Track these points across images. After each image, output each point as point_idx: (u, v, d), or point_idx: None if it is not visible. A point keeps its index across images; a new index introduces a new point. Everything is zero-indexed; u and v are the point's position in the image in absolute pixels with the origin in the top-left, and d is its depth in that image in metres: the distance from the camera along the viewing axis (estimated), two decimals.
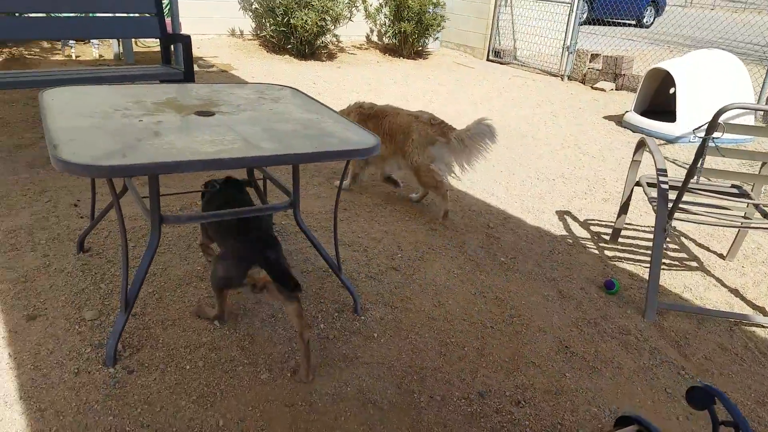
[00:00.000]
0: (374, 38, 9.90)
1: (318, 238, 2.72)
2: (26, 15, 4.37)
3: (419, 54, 9.47)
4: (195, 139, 2.09)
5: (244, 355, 2.27)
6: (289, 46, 8.06)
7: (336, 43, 9.13)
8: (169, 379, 2.10)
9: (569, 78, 8.70)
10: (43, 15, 4.80)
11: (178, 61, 4.82)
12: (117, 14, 4.56)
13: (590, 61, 8.61)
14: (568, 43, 8.60)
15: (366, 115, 3.71)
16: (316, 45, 8.11)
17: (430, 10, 8.77)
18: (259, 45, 8.40)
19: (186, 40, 4.41)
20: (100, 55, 6.99)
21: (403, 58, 9.20)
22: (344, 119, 2.55)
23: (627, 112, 6.39)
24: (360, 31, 9.59)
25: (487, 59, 9.77)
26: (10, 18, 4.16)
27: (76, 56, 6.82)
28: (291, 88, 3.05)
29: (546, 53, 9.25)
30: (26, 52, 6.59)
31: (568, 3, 8.65)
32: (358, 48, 9.39)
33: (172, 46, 4.81)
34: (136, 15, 4.61)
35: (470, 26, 9.83)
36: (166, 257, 2.91)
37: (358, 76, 7.62)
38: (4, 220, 3.12)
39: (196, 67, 6.99)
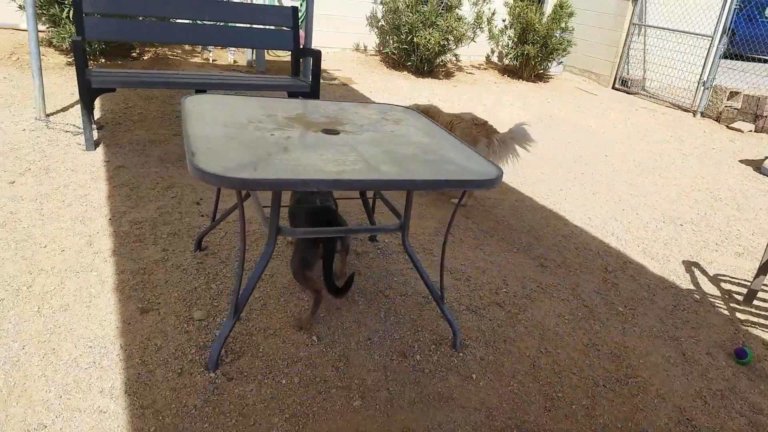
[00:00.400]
0: (494, 59, 9.75)
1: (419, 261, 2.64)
2: (175, 21, 4.68)
3: (540, 77, 9.20)
4: (320, 157, 2.10)
5: (338, 378, 2.24)
6: (409, 63, 8.11)
7: (454, 62, 9.07)
8: (264, 392, 2.10)
9: (702, 115, 8.07)
10: (190, 22, 5.14)
11: (306, 73, 4.97)
12: (255, 25, 4.77)
13: (728, 99, 7.94)
14: (705, 78, 7.99)
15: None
16: (435, 63, 8.10)
17: (557, 35, 8.49)
18: (380, 60, 8.52)
19: (316, 55, 4.53)
20: (234, 61, 7.38)
21: (523, 80, 8.97)
22: (465, 146, 2.47)
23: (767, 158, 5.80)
24: (479, 51, 9.48)
25: (613, 87, 9.30)
26: (163, 23, 4.47)
27: (213, 60, 7.25)
28: (412, 109, 3.02)
29: (677, 86, 8.66)
30: (169, 53, 7.09)
31: (709, 36, 8.04)
32: (476, 68, 9.28)
33: (301, 59, 4.96)
34: (273, 27, 4.79)
35: (597, 53, 9.41)
36: (273, 263, 2.95)
37: (474, 95, 7.51)
38: (132, 210, 3.32)
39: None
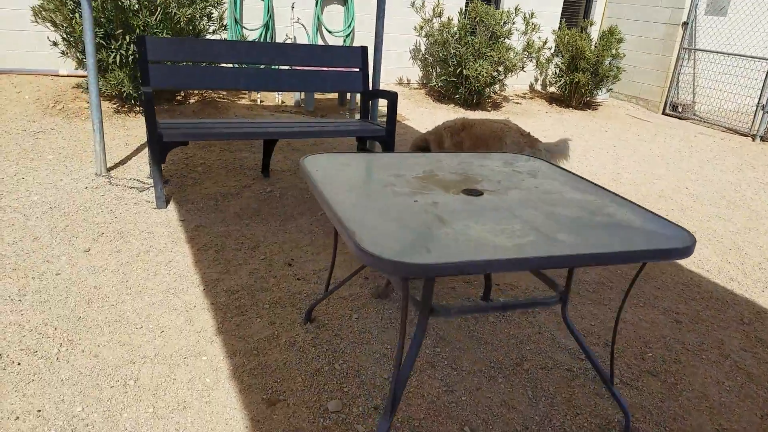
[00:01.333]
0: (537, 87, 9.51)
1: (555, 328, 2.31)
2: (243, 66, 4.47)
3: (588, 105, 8.93)
4: (483, 227, 1.81)
5: None
6: (457, 96, 7.87)
7: (500, 92, 8.84)
8: None
9: (762, 139, 7.72)
10: (262, 66, 4.92)
11: (374, 116, 4.73)
12: (325, 68, 4.54)
13: None
14: (765, 102, 7.67)
15: (458, 127, 3.85)
16: (484, 95, 7.86)
17: (608, 62, 8.24)
18: (425, 94, 8.31)
19: (392, 98, 4.28)
20: (282, 101, 7.19)
21: (572, 108, 8.71)
22: (627, 201, 2.17)
23: None
24: (523, 81, 9.26)
25: (663, 113, 9.00)
26: (231, 70, 4.25)
27: (261, 101, 7.06)
28: (538, 159, 2.73)
29: (730, 110, 8.35)
30: (215, 95, 6.92)
31: (767, 59, 7.75)
32: (521, 97, 9.04)
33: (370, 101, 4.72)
34: (343, 70, 4.57)
35: (646, 78, 9.14)
36: (389, 334, 2.64)
37: (527, 126, 7.23)
38: (224, 277, 3.04)
39: None
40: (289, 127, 4.17)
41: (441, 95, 8.19)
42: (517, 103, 8.69)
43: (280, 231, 3.66)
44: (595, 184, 2.36)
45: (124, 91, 5.69)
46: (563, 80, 8.52)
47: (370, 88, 4.70)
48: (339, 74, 4.56)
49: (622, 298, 2.25)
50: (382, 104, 7.53)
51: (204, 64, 4.60)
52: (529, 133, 4.04)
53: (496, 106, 8.33)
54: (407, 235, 1.71)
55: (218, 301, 2.82)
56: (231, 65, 4.99)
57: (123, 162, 4.62)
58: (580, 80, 8.25)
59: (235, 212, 3.90)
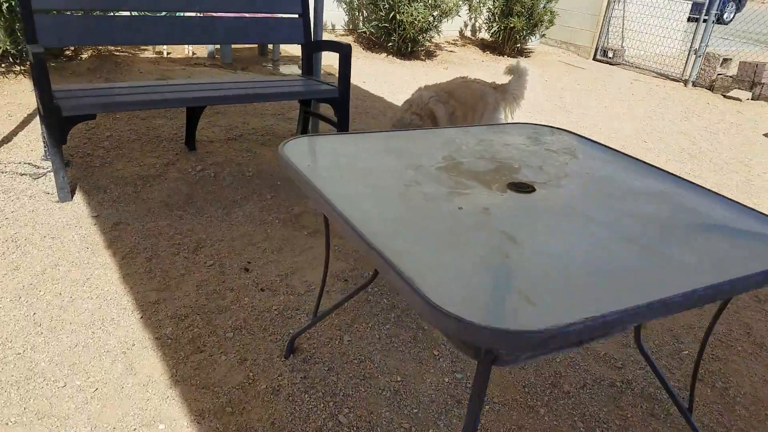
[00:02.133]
0: (467, 33, 9.00)
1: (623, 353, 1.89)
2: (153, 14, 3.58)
3: (521, 52, 8.55)
4: (569, 244, 1.31)
5: None
6: (390, 44, 7.21)
7: (431, 39, 8.24)
8: None
9: (694, 84, 7.71)
10: (165, 14, 4.03)
11: (316, 72, 4.02)
12: (253, 15, 3.74)
13: (720, 66, 7.62)
14: (697, 46, 7.61)
15: (443, 96, 3.38)
16: (419, 42, 7.24)
17: (543, 5, 7.84)
18: (354, 41, 7.55)
19: (346, 51, 3.59)
20: (193, 53, 6.21)
21: (506, 56, 8.29)
22: (698, 187, 1.72)
23: None
24: (452, 27, 8.70)
25: (594, 58, 8.81)
26: (140, 19, 3.36)
27: (168, 54, 6.04)
28: (564, 130, 2.22)
29: (662, 54, 8.29)
30: (113, 49, 5.83)
31: (702, 2, 7.64)
32: (453, 44, 8.51)
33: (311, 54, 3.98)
34: (277, 16, 3.79)
35: (577, 23, 8.87)
36: (394, 359, 2.11)
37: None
38: (164, 296, 2.35)
39: (297, 70, 6.20)
40: (222, 89, 3.40)
41: (372, 43, 7.48)
42: (451, 51, 8.15)
43: (225, 223, 2.97)
44: (642, 161, 1.90)
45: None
46: (497, 26, 8.05)
47: (313, 39, 3.97)
48: (273, 22, 3.78)
49: (710, 322, 1.83)
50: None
51: (98, 13, 3.66)
52: (493, 82, 3.75)
53: (430, 54, 7.75)
54: (478, 270, 1.16)
55: (163, 333, 2.14)
56: (138, 13, 4.05)
57: (6, 140, 3.65)
58: (515, 25, 7.81)
59: (161, 200, 3.13)
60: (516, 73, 3.71)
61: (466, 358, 2.14)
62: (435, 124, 3.17)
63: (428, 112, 3.02)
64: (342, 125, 3.76)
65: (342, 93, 3.63)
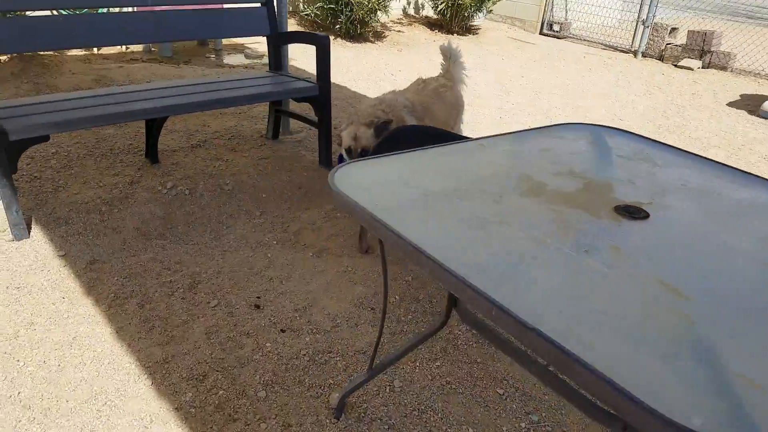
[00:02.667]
0: (410, 11, 8.71)
1: None
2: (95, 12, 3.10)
3: (469, 29, 8.36)
4: (737, 288, 1.09)
5: None
6: (337, 26, 6.83)
7: (378, 19, 7.90)
8: None
9: (644, 55, 7.78)
10: (105, 11, 3.56)
11: (283, 67, 3.64)
12: (208, 6, 3.32)
13: (668, 36, 7.71)
14: (644, 17, 7.66)
15: (423, 107, 2.99)
16: (368, 24, 6.91)
17: None
18: (296, 24, 7.10)
19: (323, 42, 3.24)
20: (127, 47, 5.62)
21: (454, 33, 8.08)
22: None
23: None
24: (398, 5, 8.39)
25: (540, 33, 8.75)
26: (85, 18, 2.89)
27: (98, 49, 5.43)
28: (613, 128, 2.01)
29: (604, 25, 8.32)
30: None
31: None
32: (399, 23, 8.20)
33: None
34: (239, 6, 3.39)
35: None
36: (456, 405, 1.87)
37: (426, 60, 6.50)
38: (171, 351, 2.00)
39: (244, 59, 5.75)
40: (189, 94, 2.99)
41: (317, 26, 7.06)
42: (399, 31, 7.84)
43: (216, 250, 2.61)
44: (723, 164, 1.73)
45: None
46: (443, 3, 7.80)
47: (279, 30, 3.58)
48: (232, 14, 3.37)
49: None
50: (252, 41, 6.28)
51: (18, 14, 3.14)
52: (442, 64, 3.42)
53: (379, 36, 7.42)
54: (675, 352, 0.92)
55: (184, 401, 1.80)
56: (71, 12, 3.52)
57: None
58: (462, 2, 7.59)
59: (135, 228, 2.72)
60: (451, 56, 3.34)
61: (535, 393, 1.92)
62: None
63: (399, 118, 2.72)
64: (324, 126, 3.42)
65: (323, 90, 3.30)
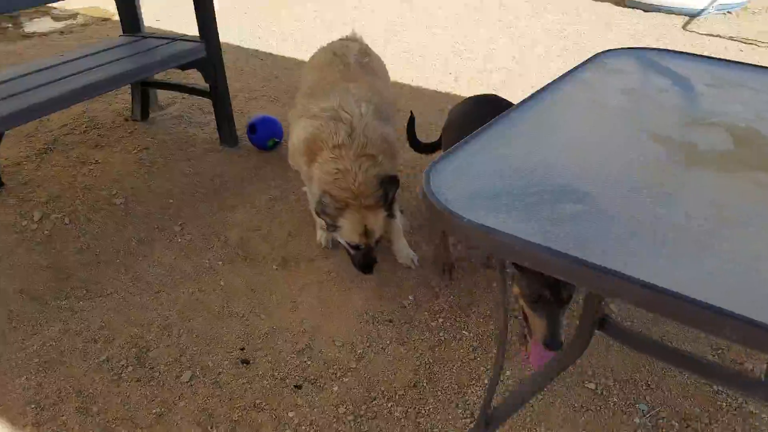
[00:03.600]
0: None
1: None
2: None
3: None
4: None
5: None
6: None
7: None
8: None
9: None
10: None
11: (141, 26, 2.78)
12: None
13: None
14: None
15: (363, 50, 2.28)
16: None
17: None
18: None
19: None
20: None
21: None
22: None
23: None
24: None
25: None
26: None
27: None
28: (634, 49, 1.67)
29: None
30: None
31: None
32: None
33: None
34: None
35: None
36: None
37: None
38: None
39: (54, 23, 4.59)
40: (28, 91, 2.14)
41: None
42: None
43: (147, 294, 1.94)
44: None
45: None
46: None
47: None
48: None
49: None
50: None
51: None
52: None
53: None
54: None
55: None
56: None
57: None
58: None
59: (19, 291, 1.94)
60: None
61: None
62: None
63: (384, 147, 1.98)
64: (219, 95, 2.72)
65: (211, 49, 2.57)
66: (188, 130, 2.99)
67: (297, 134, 1.95)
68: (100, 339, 1.77)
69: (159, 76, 2.97)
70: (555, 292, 1.26)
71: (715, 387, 1.59)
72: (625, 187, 0.95)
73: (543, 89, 1.27)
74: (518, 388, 1.31)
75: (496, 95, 2.09)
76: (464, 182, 0.93)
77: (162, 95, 3.24)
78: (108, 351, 1.73)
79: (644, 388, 1.60)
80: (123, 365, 1.68)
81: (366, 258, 1.85)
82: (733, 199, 0.93)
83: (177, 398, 1.59)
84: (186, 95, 3.21)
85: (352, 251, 1.88)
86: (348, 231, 1.80)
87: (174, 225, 2.28)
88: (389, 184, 1.82)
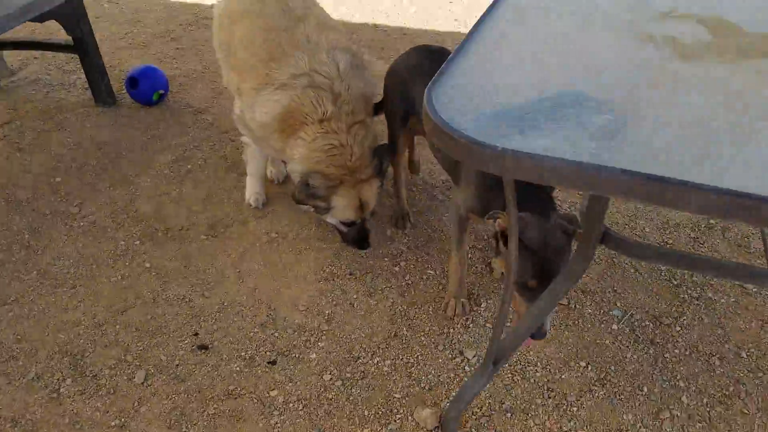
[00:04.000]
0: None
1: None
2: None
3: None
4: None
5: None
6: None
7: None
8: None
9: None
10: None
11: None
12: None
13: None
14: None
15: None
16: None
17: None
18: None
19: None
20: None
21: None
22: None
23: None
24: None
25: None
26: None
27: None
28: None
29: None
30: None
31: None
32: None
33: None
34: None
35: None
36: None
37: None
38: None
39: None
40: None
41: None
42: None
43: (65, 293, 1.66)
44: None
45: None
46: None
47: None
48: None
49: None
50: None
51: None
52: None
53: None
54: None
55: None
56: None
57: None
58: None
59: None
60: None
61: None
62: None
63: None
64: (87, 49, 2.32)
65: (76, 9, 2.16)
66: (52, 95, 2.55)
67: (264, 110, 1.65)
68: (20, 354, 1.49)
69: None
70: (545, 280, 1.23)
71: (674, 281, 1.68)
72: (642, 89, 0.89)
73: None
74: (519, 323, 1.29)
75: (441, 46, 1.88)
76: (475, 104, 0.81)
77: (11, 56, 2.72)
78: (35, 367, 1.46)
79: (612, 294, 1.65)
80: (58, 379, 1.43)
81: (360, 232, 1.71)
82: (751, 90, 0.91)
83: (136, 403, 1.39)
84: (39, 53, 2.72)
85: (344, 228, 1.72)
86: (342, 209, 1.65)
87: (69, 207, 1.95)
88: (384, 152, 1.68)
